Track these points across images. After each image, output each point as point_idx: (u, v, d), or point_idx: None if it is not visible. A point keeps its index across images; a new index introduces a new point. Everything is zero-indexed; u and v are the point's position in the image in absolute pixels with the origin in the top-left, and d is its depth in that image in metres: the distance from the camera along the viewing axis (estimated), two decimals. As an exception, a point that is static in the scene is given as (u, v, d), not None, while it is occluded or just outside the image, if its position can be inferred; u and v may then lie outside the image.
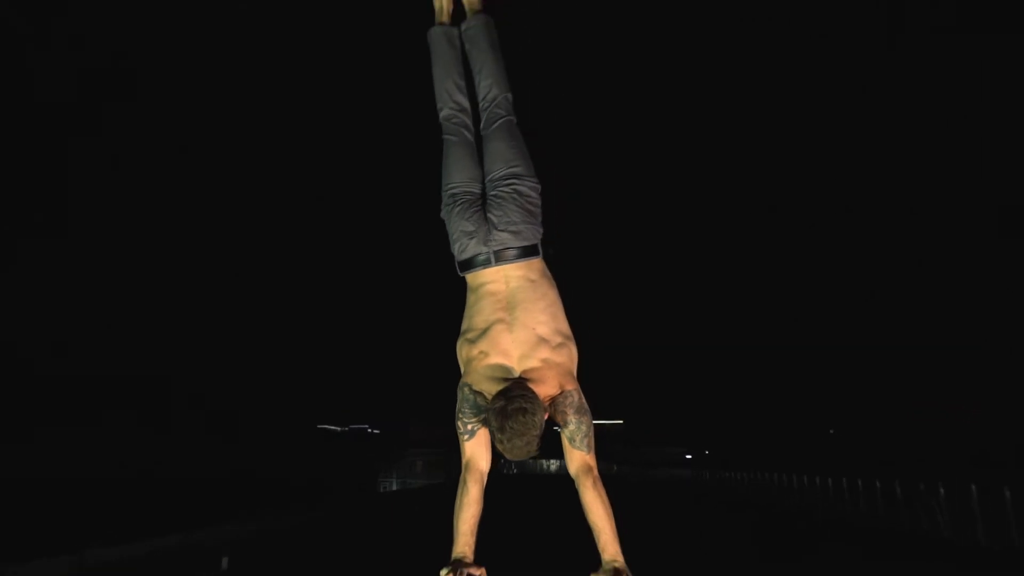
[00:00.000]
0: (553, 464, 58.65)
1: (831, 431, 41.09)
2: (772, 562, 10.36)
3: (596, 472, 2.40)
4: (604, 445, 2.32)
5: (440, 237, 2.72)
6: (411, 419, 52.19)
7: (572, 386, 2.46)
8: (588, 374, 2.57)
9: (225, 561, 9.11)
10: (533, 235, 2.66)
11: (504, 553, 2.46)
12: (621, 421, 72.89)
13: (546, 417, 2.30)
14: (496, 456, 2.48)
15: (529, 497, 24.17)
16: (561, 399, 2.42)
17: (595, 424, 2.49)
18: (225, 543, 10.18)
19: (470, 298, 2.63)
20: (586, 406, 2.45)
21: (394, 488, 38.60)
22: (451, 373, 2.58)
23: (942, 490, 12.93)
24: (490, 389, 2.37)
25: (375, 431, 56.61)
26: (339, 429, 47.92)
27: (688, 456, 50.49)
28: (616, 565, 2.22)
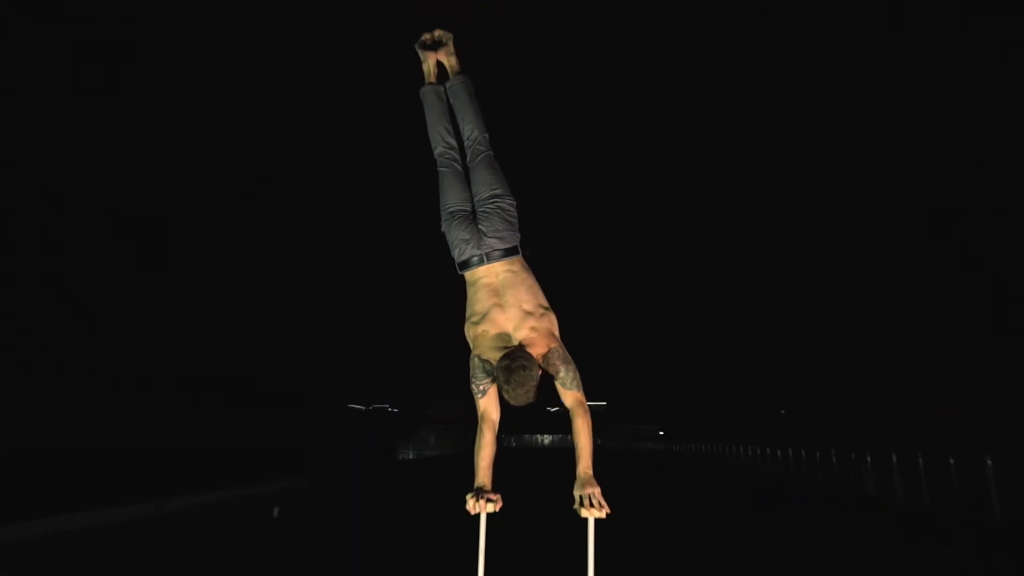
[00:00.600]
0: (546, 438, 59.15)
1: (782, 411, 41.47)
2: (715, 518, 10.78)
3: (585, 405, 2.78)
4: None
5: (443, 246, 3.12)
6: (426, 399, 52.76)
7: (556, 344, 2.82)
8: (579, 363, 2.93)
9: (276, 510, 9.50)
10: (513, 239, 2.99)
11: (508, 502, 2.86)
12: (604, 402, 73.25)
13: (540, 373, 2.65)
14: (498, 434, 2.89)
15: (525, 464, 24.72)
16: (550, 355, 2.78)
17: None
18: (277, 496, 10.61)
19: (469, 291, 2.96)
20: (569, 357, 2.82)
21: (411, 457, 38.98)
22: (459, 361, 2.95)
23: (868, 458, 13.37)
24: (495, 356, 2.72)
25: (395, 410, 57.11)
26: (364, 408, 48.27)
27: (661, 432, 50.94)
28: (585, 476, 2.64)
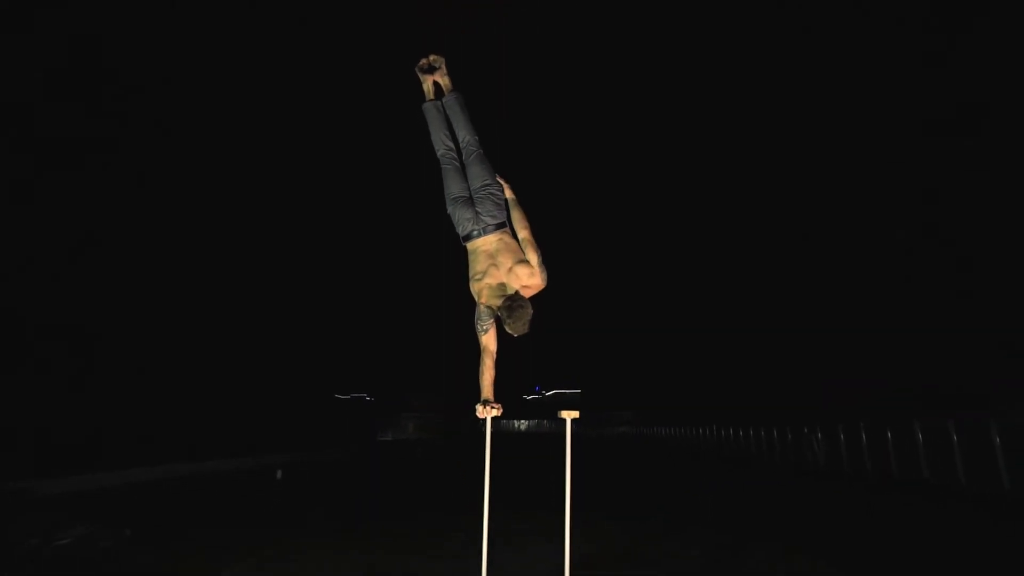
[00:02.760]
0: (523, 424, 60.49)
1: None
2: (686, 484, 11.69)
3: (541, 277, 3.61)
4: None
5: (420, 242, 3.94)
6: (405, 389, 53.59)
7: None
8: (554, 355, 3.76)
9: (279, 473, 10.22)
10: (501, 216, 3.72)
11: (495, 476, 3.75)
12: (579, 390, 74.40)
13: (532, 311, 3.42)
14: (474, 424, 3.73)
15: (505, 445, 25.71)
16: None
17: (558, 392, 3.71)
18: (279, 464, 11.31)
19: (471, 257, 3.70)
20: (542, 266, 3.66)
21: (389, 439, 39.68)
22: (435, 355, 3.81)
23: (819, 434, 14.45)
24: (497, 302, 3.46)
25: (371, 399, 58.14)
26: (344, 397, 49.28)
27: (631, 418, 52.09)
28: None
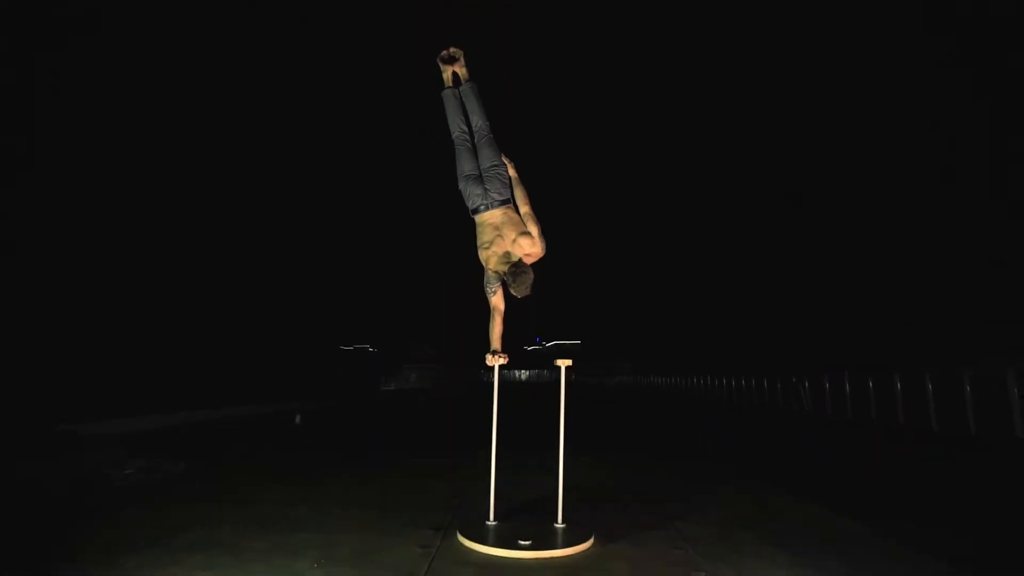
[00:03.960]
0: (524, 373, 61.95)
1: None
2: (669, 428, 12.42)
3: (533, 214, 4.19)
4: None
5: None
6: (407, 339, 54.61)
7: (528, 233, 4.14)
8: (556, 308, 4.29)
9: (298, 417, 10.95)
10: (507, 193, 4.20)
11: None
12: (579, 341, 75.75)
13: (534, 277, 3.96)
14: (475, 384, 4.30)
15: (507, 394, 26.58)
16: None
17: (558, 343, 4.17)
18: (298, 409, 12.05)
19: (478, 228, 4.18)
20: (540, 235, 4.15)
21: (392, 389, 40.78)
22: (432, 313, 4.43)
23: (806, 383, 15.25)
24: (503, 268, 3.98)
25: (374, 350, 59.51)
26: (349, 348, 50.54)
27: (629, 368, 53.34)
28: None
